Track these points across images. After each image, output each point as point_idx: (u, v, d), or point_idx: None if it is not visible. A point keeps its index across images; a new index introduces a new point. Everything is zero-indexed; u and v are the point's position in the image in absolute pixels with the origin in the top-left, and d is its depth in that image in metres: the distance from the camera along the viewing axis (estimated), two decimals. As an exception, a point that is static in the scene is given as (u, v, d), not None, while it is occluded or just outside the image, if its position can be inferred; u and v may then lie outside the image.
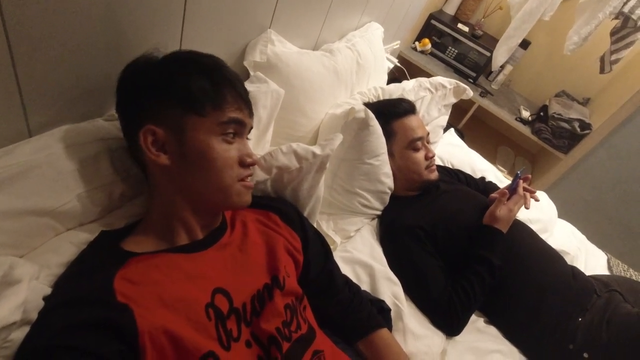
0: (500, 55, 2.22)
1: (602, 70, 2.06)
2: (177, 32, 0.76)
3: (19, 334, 0.48)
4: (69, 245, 0.59)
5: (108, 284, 0.52)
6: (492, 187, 1.42)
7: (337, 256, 1.04)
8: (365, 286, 0.99)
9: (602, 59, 2.05)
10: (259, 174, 0.81)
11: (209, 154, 0.59)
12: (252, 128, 0.68)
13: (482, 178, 1.49)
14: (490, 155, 2.66)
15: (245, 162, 0.64)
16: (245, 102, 0.65)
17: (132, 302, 0.51)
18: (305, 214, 0.91)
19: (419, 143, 1.19)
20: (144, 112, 0.60)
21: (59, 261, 0.57)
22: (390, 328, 0.91)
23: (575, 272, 1.14)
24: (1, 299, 0.47)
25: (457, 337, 1.01)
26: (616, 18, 1.86)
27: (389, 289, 0.99)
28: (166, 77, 0.60)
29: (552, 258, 1.13)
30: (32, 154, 0.58)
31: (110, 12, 0.61)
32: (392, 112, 1.20)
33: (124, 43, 0.67)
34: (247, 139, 0.68)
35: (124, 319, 0.50)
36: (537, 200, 1.16)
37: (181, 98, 0.59)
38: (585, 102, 2.58)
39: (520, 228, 1.16)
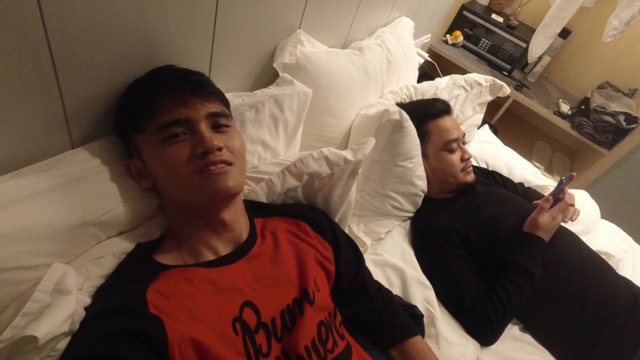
0: (536, 47, 2.10)
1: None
2: (209, 37, 0.77)
3: (63, 344, 0.51)
4: (110, 257, 0.61)
5: (141, 295, 0.54)
6: (532, 193, 1.35)
7: (368, 259, 1.03)
8: (396, 290, 0.98)
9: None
10: (290, 181, 0.81)
11: (158, 162, 0.61)
12: (217, 115, 0.64)
13: (521, 184, 1.42)
14: (526, 151, 2.55)
15: (197, 153, 0.59)
16: (185, 98, 0.61)
17: (163, 314, 0.53)
18: (336, 219, 0.90)
19: (455, 144, 1.16)
20: (127, 151, 0.68)
21: (100, 273, 0.60)
22: (423, 334, 0.89)
23: (627, 282, 1.07)
24: (54, 308, 0.49)
25: (492, 345, 0.97)
26: None
27: (421, 293, 0.98)
28: (116, 114, 0.67)
29: (597, 266, 1.07)
30: (78, 165, 0.61)
31: (144, 21, 0.63)
32: (426, 112, 1.17)
33: (156, 52, 0.68)
34: (223, 128, 0.64)
35: (155, 330, 0.51)
36: (573, 220, 1.09)
37: (126, 126, 0.65)
38: (631, 94, 2.41)
39: (564, 233, 1.10)
